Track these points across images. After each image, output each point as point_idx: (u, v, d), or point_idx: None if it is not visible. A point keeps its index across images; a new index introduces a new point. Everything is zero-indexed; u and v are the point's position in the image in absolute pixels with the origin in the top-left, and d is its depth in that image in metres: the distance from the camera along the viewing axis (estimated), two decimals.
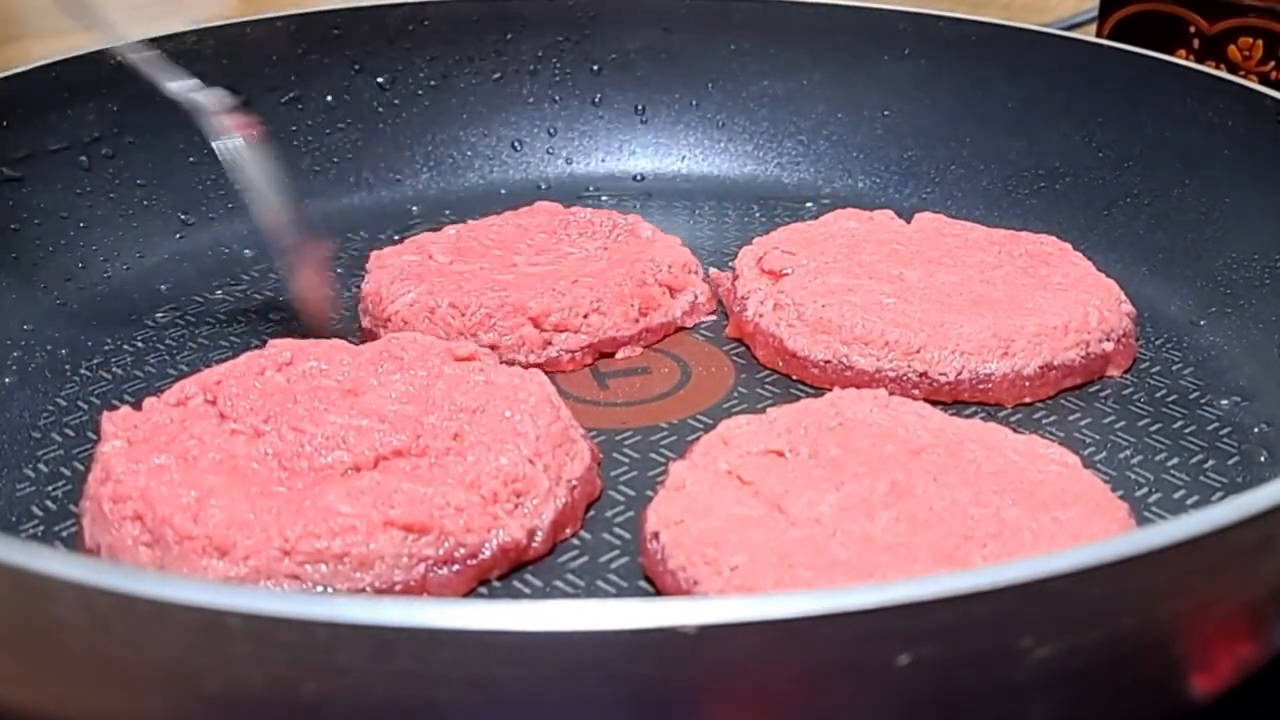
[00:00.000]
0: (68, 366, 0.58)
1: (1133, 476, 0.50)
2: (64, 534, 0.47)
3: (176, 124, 0.70)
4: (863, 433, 0.47)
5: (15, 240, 0.62)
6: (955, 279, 0.58)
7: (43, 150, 0.65)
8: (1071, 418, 0.53)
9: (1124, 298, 0.58)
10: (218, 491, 0.43)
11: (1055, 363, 0.54)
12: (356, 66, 0.75)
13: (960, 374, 0.54)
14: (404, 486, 0.44)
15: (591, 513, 0.48)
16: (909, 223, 0.63)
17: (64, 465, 0.51)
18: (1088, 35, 0.74)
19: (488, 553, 0.44)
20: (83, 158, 0.66)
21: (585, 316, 0.57)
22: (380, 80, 0.75)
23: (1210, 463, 0.51)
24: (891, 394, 0.53)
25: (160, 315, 0.62)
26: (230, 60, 0.71)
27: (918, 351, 0.54)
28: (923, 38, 0.74)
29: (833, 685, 0.30)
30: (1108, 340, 0.55)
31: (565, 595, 0.44)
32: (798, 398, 0.53)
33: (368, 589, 0.42)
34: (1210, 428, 0.53)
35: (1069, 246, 0.61)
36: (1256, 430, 0.53)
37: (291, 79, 0.74)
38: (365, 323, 0.59)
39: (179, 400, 0.49)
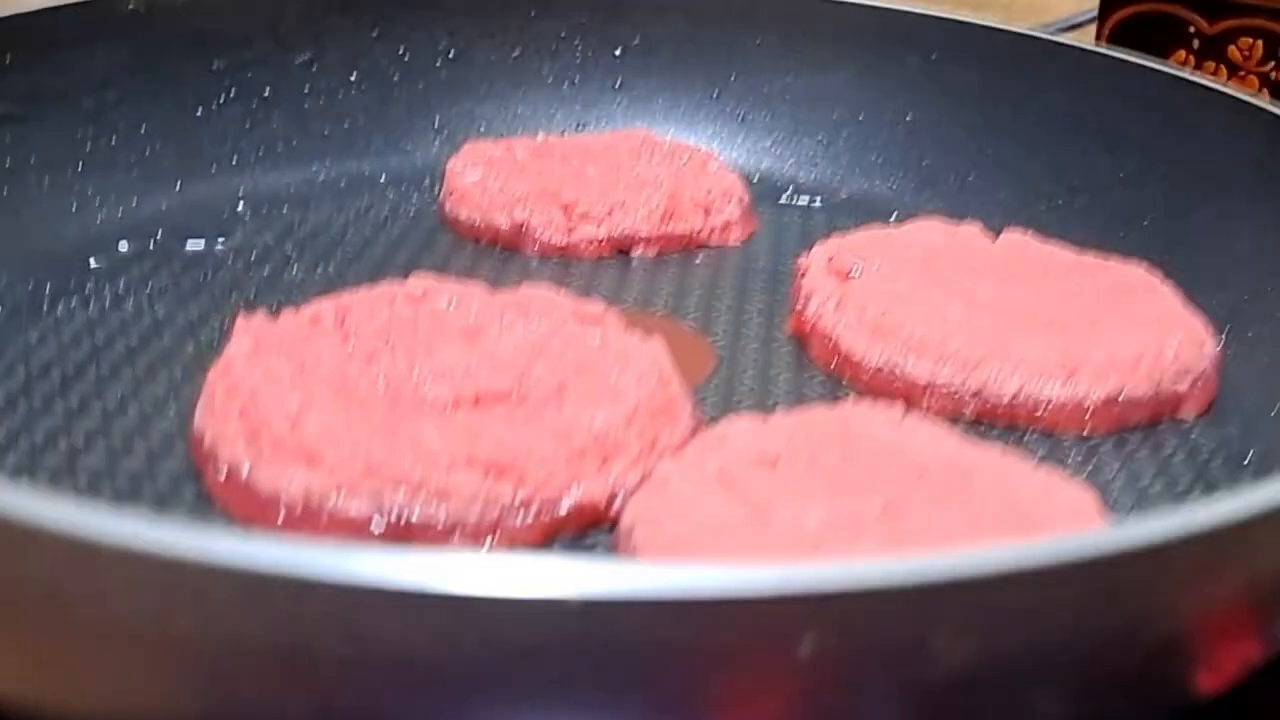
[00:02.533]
0: (45, 304, 0.57)
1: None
2: (7, 464, 0.46)
3: (187, 75, 0.70)
4: (866, 449, 0.44)
5: (9, 178, 0.62)
6: (1029, 299, 0.55)
7: (47, 91, 0.64)
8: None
9: (1207, 337, 0.54)
10: (320, 404, 0.44)
11: (1121, 396, 0.51)
12: (374, 32, 0.74)
13: (1017, 395, 0.51)
14: (495, 428, 0.44)
15: None
16: (996, 238, 0.61)
17: (21, 398, 0.50)
18: (1088, 35, 0.72)
19: (563, 509, 0.43)
20: (88, 101, 0.66)
21: (610, 211, 0.64)
22: (398, 49, 0.74)
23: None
24: (943, 410, 0.51)
25: (147, 263, 0.61)
26: (245, 16, 0.70)
27: (975, 367, 0.51)
28: (951, 43, 0.72)
29: (735, 667, 0.28)
30: (1182, 380, 0.52)
31: None
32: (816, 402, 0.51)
33: (439, 525, 0.42)
34: (1202, 458, 0.51)
35: (1157, 278, 0.58)
36: (1248, 460, 0.50)
37: (308, 40, 0.73)
38: (440, 195, 0.68)
39: (312, 317, 0.50)
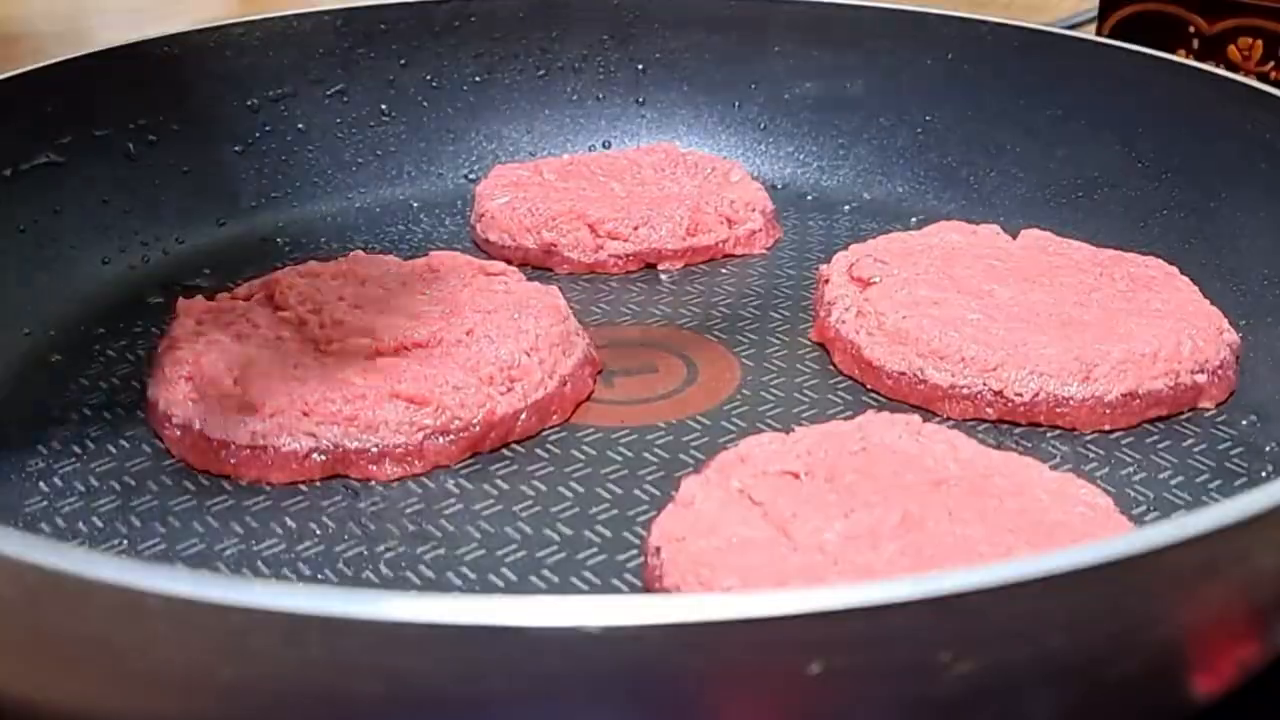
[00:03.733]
0: (96, 347, 0.59)
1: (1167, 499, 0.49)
2: (65, 510, 0.48)
3: (222, 114, 0.72)
4: (886, 460, 0.46)
5: (55, 223, 0.64)
6: (1048, 299, 0.56)
7: (87, 136, 0.66)
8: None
9: (1226, 326, 0.56)
10: (258, 363, 0.51)
11: (1140, 391, 0.52)
12: (402, 61, 0.75)
13: (1037, 395, 0.52)
14: (414, 368, 0.51)
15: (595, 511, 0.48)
16: (1014, 238, 0.62)
17: (75, 444, 0.52)
18: (1087, 35, 0.72)
19: (478, 426, 0.50)
20: (128, 145, 0.68)
21: (635, 228, 0.66)
22: (425, 75, 0.76)
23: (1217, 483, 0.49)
24: (965, 413, 0.52)
25: None
26: (276, 52, 0.72)
27: (994, 370, 0.53)
28: (967, 42, 0.73)
29: (742, 693, 0.29)
30: (1200, 372, 0.53)
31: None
32: (836, 412, 0.53)
33: (373, 449, 0.49)
34: (1221, 447, 0.51)
35: (1175, 270, 0.59)
36: (1268, 450, 0.51)
37: (338, 72, 0.74)
38: (471, 218, 0.70)
39: (246, 295, 0.57)
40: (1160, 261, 0.60)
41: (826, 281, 0.60)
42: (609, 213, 0.66)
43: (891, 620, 0.28)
